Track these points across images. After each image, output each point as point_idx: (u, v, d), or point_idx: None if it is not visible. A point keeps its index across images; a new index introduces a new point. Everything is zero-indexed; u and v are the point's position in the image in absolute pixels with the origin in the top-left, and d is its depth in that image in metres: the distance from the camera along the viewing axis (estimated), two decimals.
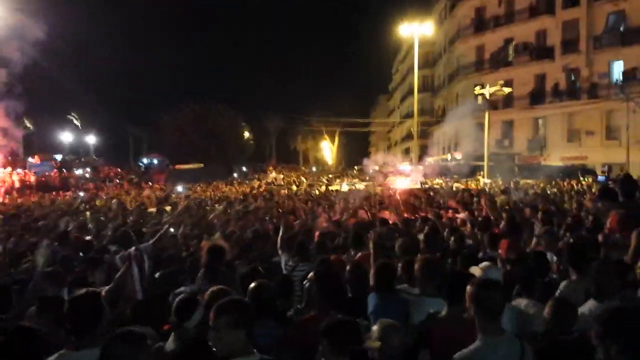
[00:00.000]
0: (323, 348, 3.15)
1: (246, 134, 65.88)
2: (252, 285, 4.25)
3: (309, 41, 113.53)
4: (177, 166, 47.48)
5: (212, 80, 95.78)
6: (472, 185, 25.93)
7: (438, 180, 28.31)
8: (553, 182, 23.55)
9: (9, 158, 32.81)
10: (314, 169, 65.06)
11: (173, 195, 19.55)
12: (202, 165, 47.29)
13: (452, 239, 7.07)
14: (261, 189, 26.81)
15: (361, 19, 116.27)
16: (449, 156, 46.58)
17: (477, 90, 32.09)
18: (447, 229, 8.09)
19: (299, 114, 68.88)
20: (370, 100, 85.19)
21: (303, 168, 64.08)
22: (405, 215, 10.54)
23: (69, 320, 3.36)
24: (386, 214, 10.88)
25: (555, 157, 36.74)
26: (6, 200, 21.12)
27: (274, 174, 44.56)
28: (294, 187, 29.25)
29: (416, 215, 10.48)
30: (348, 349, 3.05)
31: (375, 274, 4.65)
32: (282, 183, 34.99)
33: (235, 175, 49.14)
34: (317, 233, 8.35)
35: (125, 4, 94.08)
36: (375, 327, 3.30)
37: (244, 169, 57.88)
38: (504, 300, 3.26)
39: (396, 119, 70.64)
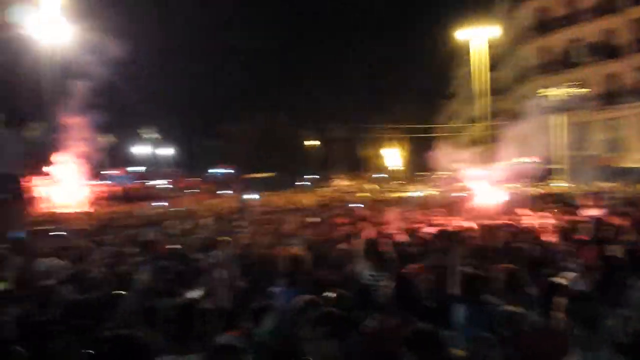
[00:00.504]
0: (405, 358, 3.15)
1: (311, 143, 66.49)
2: (330, 294, 4.33)
3: (371, 49, 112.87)
4: (248, 175, 48.65)
5: (278, 91, 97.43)
6: (548, 189, 25.02)
7: (513, 185, 27.45)
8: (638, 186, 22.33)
9: (97, 170, 34.78)
10: (380, 176, 64.65)
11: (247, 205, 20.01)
12: (271, 174, 48.23)
13: (536, 247, 6.89)
14: (329, 197, 27.00)
15: (421, 24, 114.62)
16: (520, 160, 45.06)
17: (545, 91, 30.90)
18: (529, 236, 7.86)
19: (364, 122, 68.78)
20: (434, 105, 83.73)
21: (368, 175, 63.85)
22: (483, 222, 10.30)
23: (174, 327, 3.54)
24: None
25: (633, 159, 34.75)
26: (92, 211, 22.40)
27: (340, 182, 44.73)
28: (361, 194, 29.25)
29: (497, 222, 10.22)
30: (431, 358, 3.04)
31: (462, 284, 4.59)
32: (349, 191, 35.09)
33: (302, 183, 49.72)
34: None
35: (195, 22, 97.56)
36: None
37: (311, 177, 58.45)
38: (600, 311, 3.17)
39: (461, 123, 68.99)
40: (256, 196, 25.26)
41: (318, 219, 12.71)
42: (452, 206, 13.31)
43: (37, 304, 4.40)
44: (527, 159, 42.89)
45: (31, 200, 17.07)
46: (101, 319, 4.50)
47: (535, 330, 3.81)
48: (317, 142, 68.91)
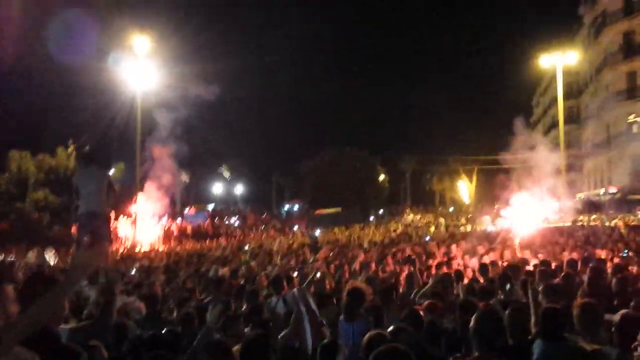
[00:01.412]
0: None
1: (381, 177, 66.25)
2: (390, 329, 4.20)
3: (444, 79, 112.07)
4: (317, 211, 48.96)
5: (348, 124, 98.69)
6: (634, 221, 23.54)
7: (594, 217, 26.11)
8: None
9: (172, 208, 36.20)
10: (451, 209, 63.17)
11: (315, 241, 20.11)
12: (340, 209, 48.31)
13: (614, 281, 6.46)
14: (398, 232, 26.64)
15: (497, 53, 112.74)
16: (601, 190, 42.86)
17: (631, 118, 29.36)
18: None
19: (434, 154, 67.92)
20: (510, 135, 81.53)
21: (440, 209, 62.55)
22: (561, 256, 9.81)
23: None
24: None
25: None
26: (166, 248, 23.19)
27: (411, 216, 44.08)
28: (432, 229, 28.68)
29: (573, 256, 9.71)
30: None
31: (542, 320, 4.37)
32: (420, 225, 34.46)
33: (372, 218, 49.39)
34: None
35: (262, 64, 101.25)
36: None
37: (381, 211, 58.03)
38: None
39: (541, 153, 66.60)
40: (318, 232, 25.41)
41: (384, 255, 12.55)
42: (527, 240, 12.75)
43: (111, 340, 4.58)
44: (606, 190, 40.85)
45: (113, 238, 17.94)
46: (172, 355, 4.60)
47: None
48: (387, 176, 68.52)
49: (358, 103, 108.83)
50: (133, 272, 11.14)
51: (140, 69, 28.96)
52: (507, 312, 4.94)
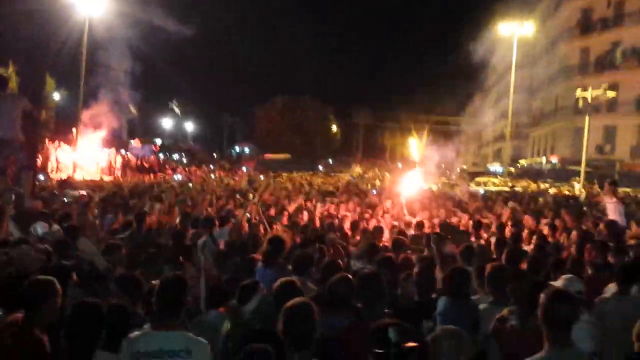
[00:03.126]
0: None
1: (334, 128, 66.37)
2: (333, 278, 4.24)
3: (402, 36, 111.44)
4: (266, 155, 48.83)
5: (303, 73, 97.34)
6: (566, 191, 24.78)
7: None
8: None
9: (118, 140, 35.22)
10: (400, 165, 64.23)
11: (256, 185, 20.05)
12: (289, 155, 48.34)
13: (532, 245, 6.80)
14: (341, 183, 26.83)
15: (457, 16, 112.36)
16: (543, 159, 44.55)
17: (579, 93, 30.15)
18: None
19: (388, 110, 68.30)
20: (464, 98, 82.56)
21: (389, 164, 63.44)
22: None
23: (157, 301, 3.45)
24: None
25: None
26: (107, 180, 22.67)
27: (358, 169, 44.61)
28: (378, 182, 29.14)
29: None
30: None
31: (448, 278, 4.55)
32: (365, 178, 34.95)
33: (320, 167, 49.70)
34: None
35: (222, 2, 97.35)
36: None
37: (330, 161, 58.45)
38: (575, 313, 3.11)
39: (490, 118, 68.06)
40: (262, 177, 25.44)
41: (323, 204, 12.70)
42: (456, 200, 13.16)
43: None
44: (547, 159, 42.45)
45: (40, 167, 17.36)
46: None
47: (516, 329, 3.78)
48: (340, 128, 68.71)
49: (317, 53, 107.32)
50: (66, 200, 10.82)
51: None
52: (415, 269, 5.14)
